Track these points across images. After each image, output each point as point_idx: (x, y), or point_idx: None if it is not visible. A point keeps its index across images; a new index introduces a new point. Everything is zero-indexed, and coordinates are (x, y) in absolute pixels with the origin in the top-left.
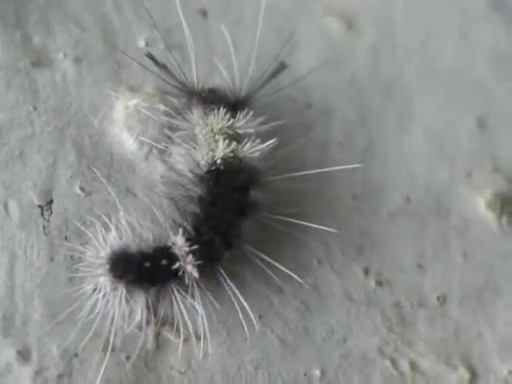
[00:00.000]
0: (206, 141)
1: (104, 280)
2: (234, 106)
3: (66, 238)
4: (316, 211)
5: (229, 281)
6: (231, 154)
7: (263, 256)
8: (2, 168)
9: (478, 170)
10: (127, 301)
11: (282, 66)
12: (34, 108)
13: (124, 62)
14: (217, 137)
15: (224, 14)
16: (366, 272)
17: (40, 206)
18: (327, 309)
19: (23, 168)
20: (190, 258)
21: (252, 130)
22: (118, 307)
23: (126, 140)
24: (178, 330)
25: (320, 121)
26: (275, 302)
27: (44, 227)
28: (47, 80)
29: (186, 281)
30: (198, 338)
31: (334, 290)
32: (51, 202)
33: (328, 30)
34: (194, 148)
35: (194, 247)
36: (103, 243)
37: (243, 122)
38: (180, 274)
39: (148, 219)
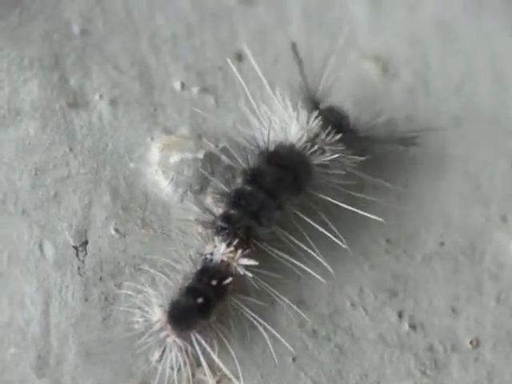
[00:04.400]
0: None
1: (171, 339)
2: (344, 132)
3: (100, 278)
4: (348, 253)
5: (263, 322)
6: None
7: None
8: (38, 209)
9: None
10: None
11: (414, 140)
12: (70, 149)
13: (160, 104)
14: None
15: (260, 55)
16: (400, 315)
17: (75, 247)
18: (361, 352)
19: (58, 209)
20: (239, 253)
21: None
22: (175, 355)
23: (160, 182)
24: (212, 372)
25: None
26: (309, 344)
27: (79, 268)
28: (83, 121)
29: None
30: (231, 379)
31: (367, 333)
32: (86, 242)
33: (363, 74)
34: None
35: (236, 241)
36: (151, 300)
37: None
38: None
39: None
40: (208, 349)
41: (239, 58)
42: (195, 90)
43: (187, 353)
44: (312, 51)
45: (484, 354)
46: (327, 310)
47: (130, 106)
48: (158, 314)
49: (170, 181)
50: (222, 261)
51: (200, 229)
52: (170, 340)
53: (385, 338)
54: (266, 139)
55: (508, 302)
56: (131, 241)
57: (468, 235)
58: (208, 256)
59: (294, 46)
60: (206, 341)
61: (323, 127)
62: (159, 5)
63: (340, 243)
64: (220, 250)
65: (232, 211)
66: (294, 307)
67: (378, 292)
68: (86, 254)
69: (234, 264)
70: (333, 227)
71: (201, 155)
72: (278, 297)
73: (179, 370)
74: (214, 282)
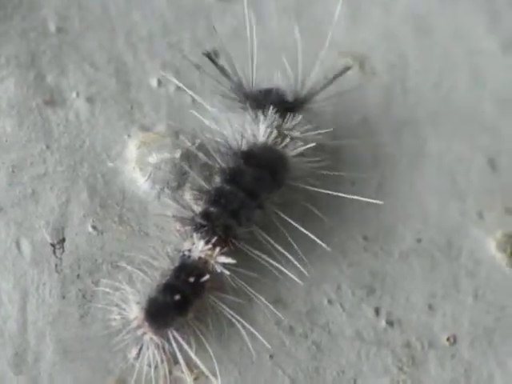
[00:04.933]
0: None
1: (148, 337)
2: (287, 108)
3: (78, 276)
4: (327, 251)
5: (240, 320)
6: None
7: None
8: (15, 206)
9: (489, 210)
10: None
11: (346, 68)
12: (47, 147)
13: (137, 101)
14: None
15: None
16: (377, 312)
17: (52, 245)
18: (338, 349)
19: (36, 206)
20: (217, 251)
21: (298, 134)
22: (152, 353)
23: (138, 179)
24: (189, 369)
25: (332, 159)
26: (286, 341)
27: (56, 265)
28: (60, 119)
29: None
30: (208, 377)
31: (344, 330)
32: (63, 240)
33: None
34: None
35: (214, 239)
36: (129, 298)
37: (291, 124)
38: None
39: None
40: (185, 346)
41: (216, 55)
42: (172, 87)
43: (164, 350)
44: (290, 49)
45: (461, 350)
46: (304, 308)
47: (107, 104)
48: (135, 312)
49: (147, 178)
50: (200, 258)
51: (178, 225)
52: (147, 337)
53: (362, 335)
54: (237, 141)
55: (485, 299)
56: (108, 238)
57: (445, 232)
58: (186, 253)
59: (209, 55)
60: (183, 338)
61: (278, 115)
62: (136, 2)
63: (319, 242)
64: (198, 247)
65: (212, 208)
66: (270, 306)
67: (356, 289)
68: (64, 251)
69: (212, 262)
70: (317, 212)
71: (178, 155)
72: (254, 295)
73: (156, 367)
74: (192, 279)
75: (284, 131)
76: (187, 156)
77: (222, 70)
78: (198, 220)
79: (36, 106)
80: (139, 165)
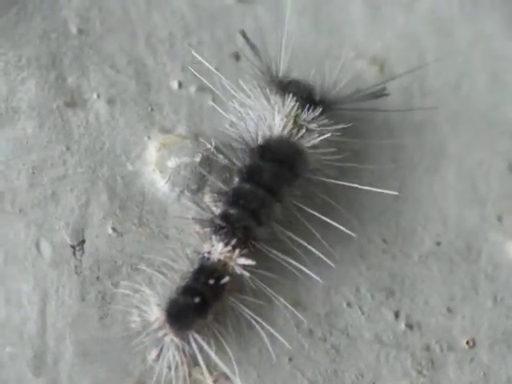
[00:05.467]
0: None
1: (169, 339)
2: (310, 102)
3: (97, 278)
4: (346, 254)
5: (260, 321)
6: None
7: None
8: (35, 207)
9: (509, 214)
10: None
11: (384, 92)
12: (67, 148)
13: (157, 103)
14: (291, 124)
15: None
16: (396, 315)
17: (72, 246)
18: (357, 352)
19: (56, 208)
20: (237, 252)
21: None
22: (172, 355)
23: (157, 181)
24: (208, 371)
25: (352, 162)
26: (305, 344)
27: (76, 267)
28: (80, 120)
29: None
30: (228, 379)
31: (363, 333)
32: (83, 241)
33: (360, 74)
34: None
35: (234, 241)
36: (149, 300)
37: (309, 117)
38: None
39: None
40: (206, 348)
41: (237, 57)
42: (192, 89)
43: (184, 352)
44: (309, 51)
45: (480, 354)
46: (323, 310)
47: (127, 106)
48: (156, 313)
49: (167, 180)
50: (220, 260)
51: (197, 228)
52: (167, 339)
53: (381, 338)
54: (253, 136)
55: (504, 303)
56: (128, 240)
57: (464, 235)
58: (205, 255)
59: (243, 33)
60: (203, 340)
61: (299, 105)
62: (156, 4)
63: (347, 231)
64: (218, 250)
65: (231, 210)
66: (290, 307)
67: (375, 292)
68: (83, 253)
69: (232, 263)
70: (337, 206)
71: (198, 159)
72: (274, 297)
73: (176, 369)
74: (212, 282)
75: (301, 122)
76: (207, 158)
77: (254, 48)
78: (218, 222)
79: (56, 108)
80: (159, 167)
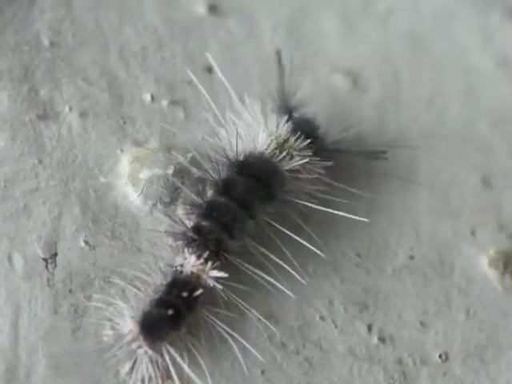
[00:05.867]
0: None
1: (142, 351)
2: (314, 140)
3: (70, 290)
4: (320, 268)
5: (233, 333)
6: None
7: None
8: (7, 220)
9: (482, 227)
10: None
11: (382, 155)
12: (40, 161)
13: (129, 116)
14: (275, 144)
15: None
16: (369, 328)
17: (44, 259)
18: (330, 365)
19: (28, 220)
20: (209, 265)
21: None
22: (146, 367)
23: (130, 194)
24: None
25: (325, 175)
26: (278, 357)
27: (48, 280)
28: (53, 133)
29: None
30: None
31: (336, 346)
32: (56, 254)
33: (333, 87)
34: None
35: (206, 253)
36: (122, 312)
37: (296, 144)
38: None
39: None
40: (179, 360)
41: (209, 70)
42: (165, 102)
43: (158, 365)
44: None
45: (453, 368)
46: (296, 323)
47: (100, 118)
48: (129, 325)
49: (139, 193)
50: (192, 273)
51: (170, 240)
52: (141, 351)
53: (354, 351)
54: (234, 149)
55: (477, 316)
56: (101, 253)
57: (437, 249)
58: (178, 268)
59: (278, 53)
60: (176, 352)
61: (293, 133)
62: (129, 17)
63: (317, 251)
64: (190, 262)
65: (203, 223)
66: (263, 319)
67: (348, 305)
68: (56, 266)
69: (204, 276)
70: (308, 231)
71: (170, 171)
72: (247, 309)
73: (149, 382)
74: (185, 294)
75: (288, 147)
76: (180, 171)
77: (281, 70)
78: (190, 234)
79: (29, 121)
80: (132, 180)
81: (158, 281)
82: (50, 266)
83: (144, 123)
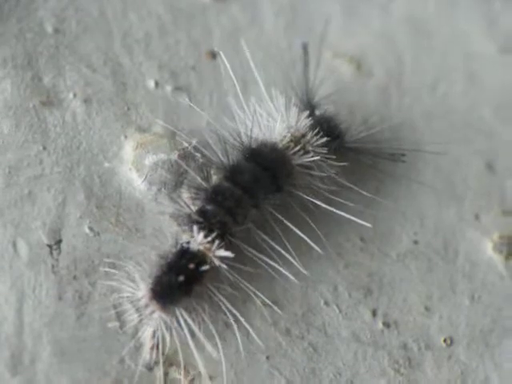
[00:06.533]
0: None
1: (157, 315)
2: (333, 139)
3: (74, 277)
4: (324, 253)
5: (237, 314)
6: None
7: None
8: (11, 207)
9: (486, 212)
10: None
11: (401, 157)
12: (44, 148)
13: (133, 102)
14: (291, 137)
15: (234, 53)
16: (374, 314)
17: (49, 246)
18: (334, 350)
19: (32, 207)
20: (215, 245)
21: (318, 158)
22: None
23: (134, 180)
24: (185, 371)
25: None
26: (283, 343)
27: (53, 266)
28: (57, 120)
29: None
30: (204, 378)
31: (341, 331)
32: (60, 241)
33: (337, 73)
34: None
35: (214, 234)
36: (131, 282)
37: (313, 140)
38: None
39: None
40: (192, 325)
41: (213, 56)
42: (169, 88)
43: (159, 349)
44: (285, 50)
45: (457, 352)
46: (300, 309)
47: (104, 105)
48: (142, 290)
49: (143, 179)
50: (199, 250)
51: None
52: (155, 315)
53: (358, 336)
54: (249, 135)
55: (481, 301)
56: (105, 239)
57: (442, 234)
58: (184, 245)
59: (305, 46)
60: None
61: (311, 129)
62: (132, 4)
63: (315, 246)
64: (197, 240)
65: (208, 206)
66: (268, 302)
67: (352, 290)
68: (60, 252)
69: (210, 255)
70: (312, 224)
71: (174, 156)
72: (252, 292)
73: (152, 368)
74: (192, 266)
75: (305, 142)
76: (184, 157)
77: (306, 64)
78: (195, 217)
79: (33, 107)
80: (136, 166)
81: (166, 247)
82: (54, 253)
83: (148, 109)
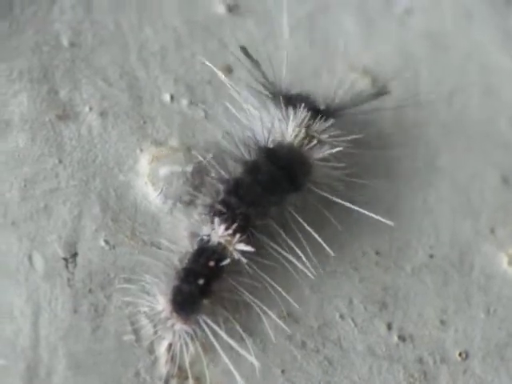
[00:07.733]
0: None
1: (179, 327)
2: (318, 112)
3: (90, 290)
4: (340, 266)
5: (258, 303)
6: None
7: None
8: (27, 220)
9: (502, 226)
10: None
11: (384, 90)
12: (60, 161)
13: (149, 116)
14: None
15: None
16: (389, 327)
17: (65, 259)
18: (350, 364)
19: (48, 220)
20: (237, 237)
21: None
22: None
23: (150, 193)
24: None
25: (349, 176)
26: (298, 356)
27: (68, 279)
28: (73, 133)
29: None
30: None
31: (356, 345)
32: (76, 254)
33: (353, 86)
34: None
35: (235, 225)
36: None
37: (321, 127)
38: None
39: None
40: (216, 328)
41: (228, 69)
42: (184, 102)
43: (174, 361)
44: (302, 63)
45: (473, 366)
46: (316, 323)
47: (120, 118)
48: (161, 303)
49: (159, 192)
50: (219, 243)
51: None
52: (177, 327)
53: (374, 350)
54: (266, 136)
55: (497, 315)
56: (121, 252)
57: (457, 247)
58: (205, 238)
59: (244, 50)
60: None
61: (309, 116)
62: (148, 17)
63: (327, 247)
64: (218, 232)
65: (231, 198)
66: (285, 314)
67: (368, 304)
68: (76, 265)
69: (231, 248)
70: (333, 220)
71: (189, 169)
72: (270, 285)
73: (168, 382)
74: (212, 263)
75: (313, 133)
76: (199, 170)
77: (256, 64)
78: (218, 207)
79: (49, 121)
80: (151, 179)
81: (183, 249)
82: (70, 266)
83: (163, 123)
